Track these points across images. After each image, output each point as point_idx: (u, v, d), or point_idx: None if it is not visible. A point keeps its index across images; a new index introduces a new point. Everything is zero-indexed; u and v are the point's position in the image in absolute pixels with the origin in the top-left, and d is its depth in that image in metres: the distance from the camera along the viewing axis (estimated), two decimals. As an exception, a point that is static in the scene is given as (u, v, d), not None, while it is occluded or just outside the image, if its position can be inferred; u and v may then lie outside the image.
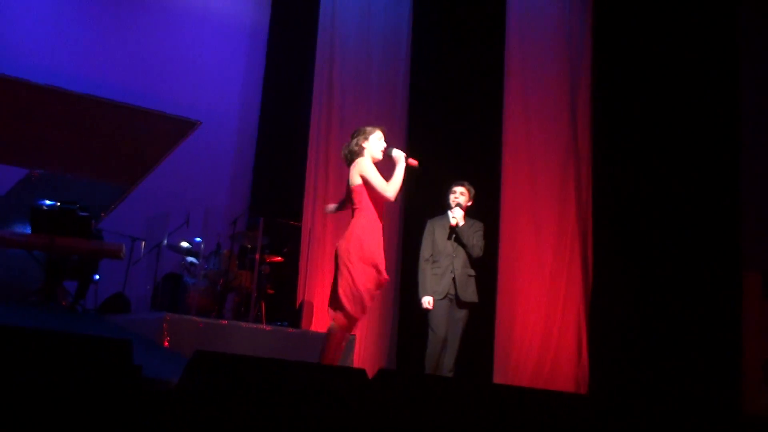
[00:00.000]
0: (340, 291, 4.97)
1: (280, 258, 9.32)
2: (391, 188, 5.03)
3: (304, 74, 10.55)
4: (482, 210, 7.76)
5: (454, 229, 6.22)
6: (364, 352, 8.55)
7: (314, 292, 9.16)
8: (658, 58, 6.72)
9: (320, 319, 8.97)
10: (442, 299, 6.17)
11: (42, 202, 8.73)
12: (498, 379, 7.15)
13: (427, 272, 6.25)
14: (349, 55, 9.62)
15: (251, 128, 11.51)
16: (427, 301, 6.18)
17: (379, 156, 5.20)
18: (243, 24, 11.78)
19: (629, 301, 6.62)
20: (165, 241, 9.33)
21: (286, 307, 9.41)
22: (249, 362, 3.50)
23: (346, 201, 5.27)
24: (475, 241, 6.25)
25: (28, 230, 8.91)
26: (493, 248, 7.50)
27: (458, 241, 6.22)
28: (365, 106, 9.39)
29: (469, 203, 6.36)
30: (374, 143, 5.18)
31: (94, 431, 2.75)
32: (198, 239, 9.42)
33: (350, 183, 5.11)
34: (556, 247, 7.27)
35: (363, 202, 5.04)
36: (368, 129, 5.26)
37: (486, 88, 8.18)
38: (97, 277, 9.02)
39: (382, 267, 5.07)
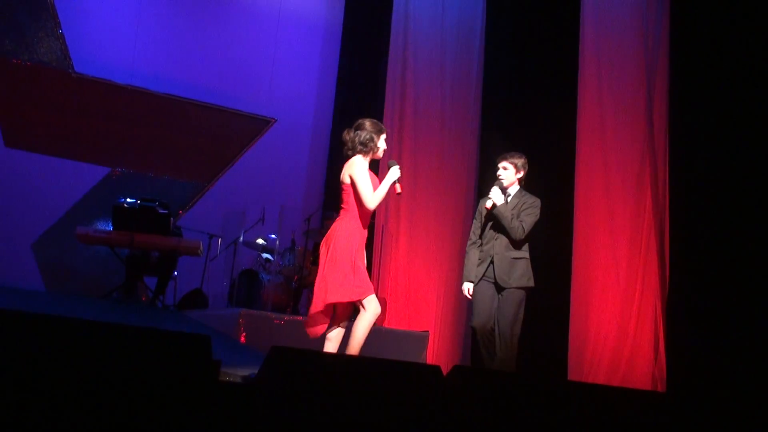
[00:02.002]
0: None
1: (353, 255, 9.36)
2: (375, 198, 4.95)
3: (377, 71, 10.60)
4: (557, 205, 7.70)
5: (492, 212, 5.72)
6: (438, 348, 8.56)
7: (387, 288, 9.20)
8: (736, 52, 6.55)
9: (394, 315, 9.01)
10: (480, 284, 5.69)
11: (123, 200, 8.95)
12: (572, 376, 7.08)
13: (470, 256, 5.80)
14: (422, 51, 9.63)
15: (325, 125, 11.60)
16: (467, 289, 5.74)
17: (380, 155, 5.12)
18: (317, 22, 11.88)
19: (708, 297, 6.47)
20: (241, 238, 9.48)
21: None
22: (324, 358, 3.54)
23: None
24: (517, 222, 5.61)
25: (110, 227, 9.16)
26: (567, 243, 7.43)
27: (495, 221, 5.68)
28: (438, 102, 9.39)
29: (520, 174, 5.77)
30: (382, 143, 5.11)
31: (175, 424, 2.81)
32: (273, 236, 9.55)
33: (341, 180, 5.00)
34: (631, 243, 7.16)
35: (351, 202, 4.96)
36: (378, 127, 5.12)
37: (560, 83, 8.09)
38: (176, 273, 9.22)
39: (360, 268, 4.95)
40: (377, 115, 10.11)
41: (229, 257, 9.84)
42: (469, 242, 5.90)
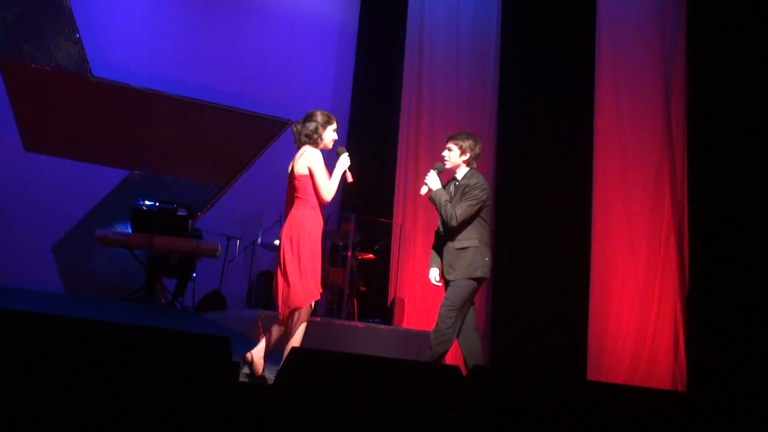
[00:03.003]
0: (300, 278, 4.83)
1: (371, 255, 9.38)
2: (332, 190, 4.91)
3: (393, 73, 10.62)
4: (574, 205, 7.67)
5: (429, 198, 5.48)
6: (457, 349, 8.53)
7: (405, 288, 9.20)
8: (755, 49, 6.50)
9: (412, 316, 9.01)
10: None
11: (141, 202, 9.02)
12: (592, 375, 7.05)
13: (435, 244, 5.58)
14: (437, 52, 9.64)
15: (342, 126, 11.60)
16: (433, 277, 5.51)
17: (330, 146, 5.11)
18: (333, 25, 11.92)
19: (728, 296, 6.43)
20: (259, 240, 9.52)
21: (378, 304, 9.48)
22: (343, 359, 3.54)
23: (290, 189, 5.04)
24: (450, 209, 5.29)
25: (129, 230, 9.22)
26: (585, 243, 7.39)
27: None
28: (454, 102, 9.39)
29: (466, 156, 5.50)
30: (329, 134, 5.10)
31: (195, 425, 2.82)
32: (292, 237, 9.56)
33: (295, 171, 4.93)
34: (650, 241, 7.11)
35: (308, 192, 4.90)
36: (327, 117, 5.11)
37: (576, 82, 8.06)
38: (195, 275, 9.26)
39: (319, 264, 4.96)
40: (394, 116, 10.14)
41: (248, 259, 9.88)
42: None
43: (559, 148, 8.16)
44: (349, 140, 11.47)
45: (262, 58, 11.35)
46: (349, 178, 5.04)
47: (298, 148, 5.06)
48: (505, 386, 3.51)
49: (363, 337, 7.50)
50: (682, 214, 6.94)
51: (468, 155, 5.50)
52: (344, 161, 5.05)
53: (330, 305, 9.25)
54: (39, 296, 8.48)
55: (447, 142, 5.56)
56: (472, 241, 5.32)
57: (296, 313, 4.86)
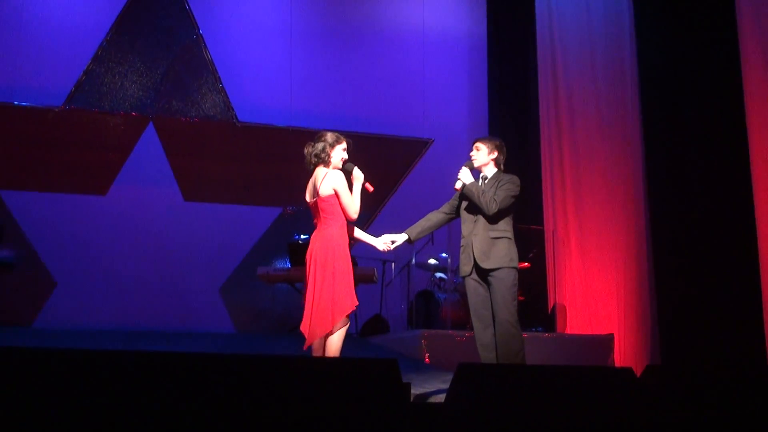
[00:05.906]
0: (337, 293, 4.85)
1: (526, 264, 9.29)
2: (356, 206, 4.98)
3: (527, 79, 10.53)
4: (732, 205, 7.34)
5: (462, 192, 5.56)
6: (625, 350, 8.35)
7: (564, 294, 9.07)
8: None
9: (575, 321, 8.87)
10: (470, 275, 5.48)
11: (297, 237, 9.28)
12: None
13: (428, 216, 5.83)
14: (571, 53, 9.50)
15: (482, 138, 11.62)
16: (390, 239, 5.58)
17: (339, 166, 5.11)
18: (462, 37, 11.92)
19: None
20: (413, 261, 9.59)
21: (539, 312, 9.38)
22: (512, 370, 3.54)
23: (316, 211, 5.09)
24: (489, 197, 5.37)
25: (288, 265, 9.50)
26: (750, 231, 7.08)
27: (470, 202, 5.48)
28: (594, 103, 9.21)
29: (493, 155, 5.59)
30: (338, 153, 5.10)
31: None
32: (444, 254, 9.61)
33: (320, 192, 4.98)
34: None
35: (336, 212, 4.96)
36: (335, 138, 5.14)
37: (723, 71, 7.68)
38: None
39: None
40: (533, 124, 10.05)
41: (404, 280, 9.98)
42: None
43: (712, 141, 7.80)
44: (491, 152, 11.42)
45: (396, 81, 11.48)
46: (370, 188, 5.15)
47: (311, 170, 5.15)
48: (684, 385, 3.41)
49: (528, 346, 7.42)
50: None
51: (496, 154, 5.61)
52: (359, 175, 5.14)
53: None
54: (212, 337, 8.86)
55: (473, 143, 5.68)
56: (505, 233, 5.48)
57: (338, 326, 4.86)
